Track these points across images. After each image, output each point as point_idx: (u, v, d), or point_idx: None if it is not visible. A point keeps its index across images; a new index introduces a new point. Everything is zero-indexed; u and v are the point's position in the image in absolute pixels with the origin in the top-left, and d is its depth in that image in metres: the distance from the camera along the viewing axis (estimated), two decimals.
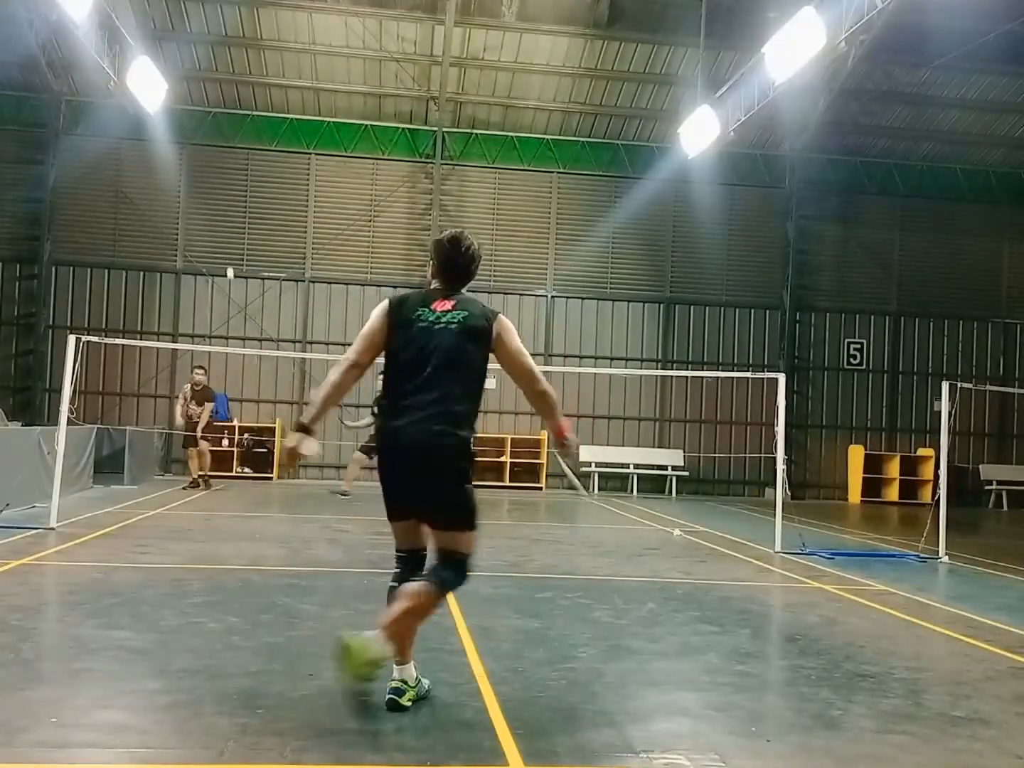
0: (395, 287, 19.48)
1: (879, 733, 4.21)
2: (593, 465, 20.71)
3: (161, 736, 3.83)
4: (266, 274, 20.49)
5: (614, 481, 21.00)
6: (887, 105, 21.09)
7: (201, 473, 16.20)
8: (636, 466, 20.97)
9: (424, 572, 4.26)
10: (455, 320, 4.27)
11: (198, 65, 19.91)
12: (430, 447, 4.14)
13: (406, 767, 3.58)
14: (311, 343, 20.40)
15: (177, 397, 17.03)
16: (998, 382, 21.38)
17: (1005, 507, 21.38)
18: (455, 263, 4.45)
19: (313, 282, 20.65)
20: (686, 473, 20.98)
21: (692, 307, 21.71)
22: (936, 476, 14.31)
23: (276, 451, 19.90)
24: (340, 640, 3.96)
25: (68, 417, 10.49)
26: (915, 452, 21.74)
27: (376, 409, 14.54)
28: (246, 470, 19.78)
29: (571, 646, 5.64)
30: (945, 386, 10.81)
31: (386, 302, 4.40)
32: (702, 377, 20.62)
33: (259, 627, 5.79)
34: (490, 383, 4.50)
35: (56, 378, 17.07)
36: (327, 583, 7.47)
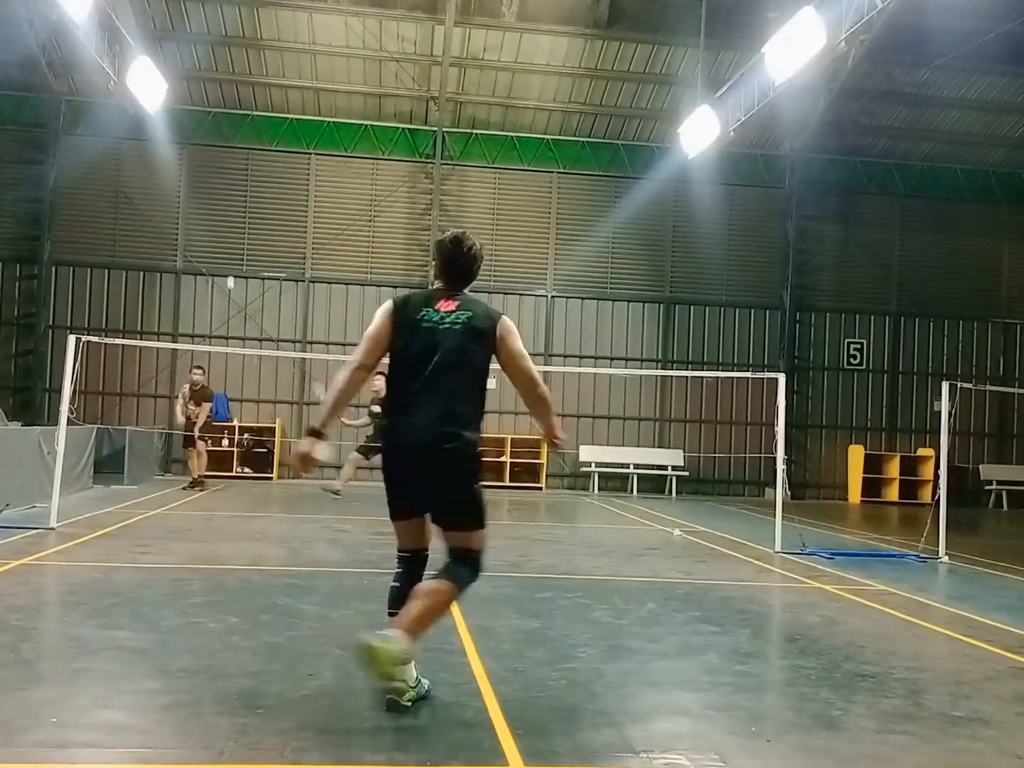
0: (395, 287, 19.51)
1: (879, 733, 4.20)
2: (593, 465, 20.72)
3: (161, 736, 3.83)
4: (266, 274, 20.50)
5: (614, 481, 21.01)
6: (887, 105, 21.10)
7: (199, 473, 16.17)
8: (636, 466, 20.98)
9: (438, 570, 4.27)
10: (459, 320, 4.28)
11: (198, 65, 19.91)
12: (438, 448, 4.15)
13: (406, 767, 3.58)
14: (311, 343, 20.40)
15: (177, 397, 17.03)
16: (998, 382, 21.39)
17: (1005, 507, 21.38)
18: (457, 263, 4.46)
19: (313, 282, 20.65)
20: (686, 473, 20.98)
21: (692, 307, 21.72)
22: (936, 476, 14.31)
23: (276, 451, 19.93)
24: (361, 642, 3.96)
25: (68, 417, 10.49)
26: (915, 452, 21.75)
27: (371, 409, 14.55)
28: (246, 470, 19.79)
29: (571, 646, 5.64)
30: (945, 386, 10.81)
31: (390, 302, 4.41)
32: (702, 377, 20.63)
33: (259, 627, 5.78)
34: (490, 383, 4.50)
35: (56, 378, 17.07)
36: (327, 583, 7.46)
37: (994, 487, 21.73)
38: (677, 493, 20.75)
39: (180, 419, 15.96)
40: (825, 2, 14.09)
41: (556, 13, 19.26)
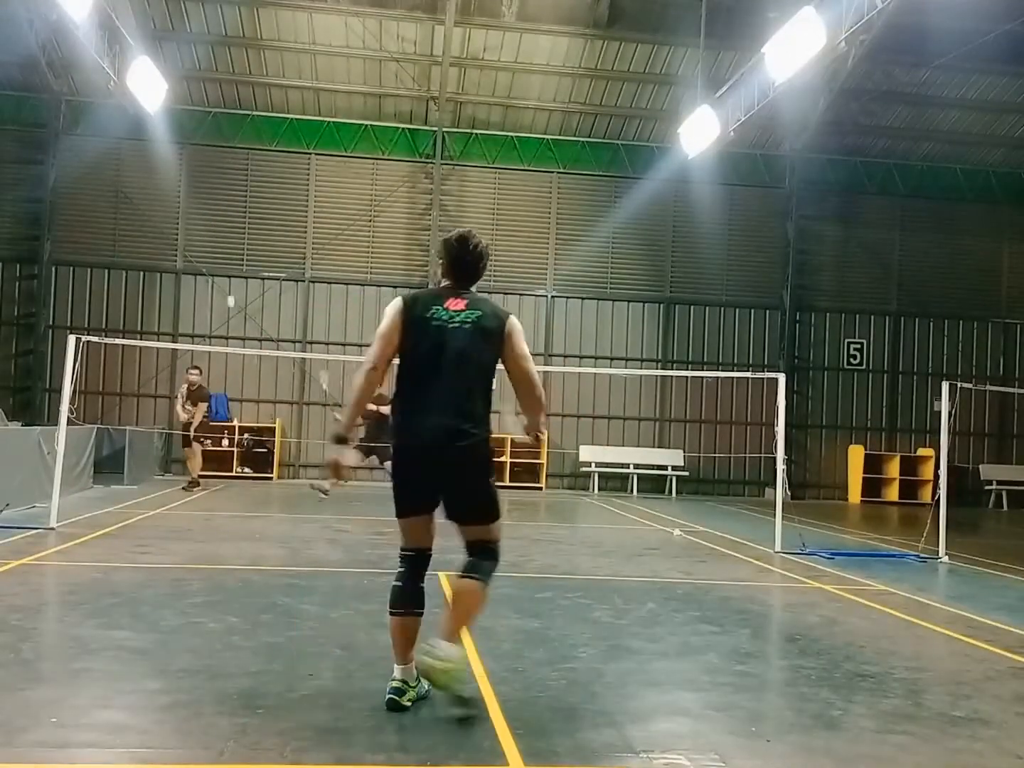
0: (395, 287, 19.51)
1: (879, 733, 4.21)
2: (593, 465, 20.72)
3: (161, 736, 3.83)
4: (266, 274, 20.50)
5: (614, 481, 21.00)
6: (887, 105, 21.10)
7: (197, 473, 16.13)
8: (636, 466, 20.97)
9: (462, 570, 4.34)
10: (469, 320, 4.31)
11: (198, 65, 19.91)
12: (451, 446, 4.19)
13: (406, 767, 3.58)
14: (311, 343, 20.39)
15: (176, 398, 17.01)
16: (998, 382, 21.38)
17: (1005, 507, 21.37)
18: (463, 261, 4.49)
19: (313, 282, 20.65)
20: (686, 473, 20.98)
21: (692, 307, 21.71)
22: (936, 476, 14.31)
23: (276, 451, 19.93)
24: (425, 667, 4.09)
25: (68, 417, 10.49)
26: (915, 452, 21.75)
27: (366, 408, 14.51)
28: (246, 470, 19.79)
29: (571, 646, 5.65)
30: (945, 386, 10.81)
31: (399, 300, 4.43)
32: (702, 377, 20.62)
33: (259, 627, 5.78)
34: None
35: (56, 378, 17.06)
36: (327, 583, 7.47)
37: (994, 487, 21.72)
38: (677, 493, 20.75)
39: (183, 417, 15.92)
40: (825, 2, 14.09)
41: (556, 13, 19.26)
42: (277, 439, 19.93)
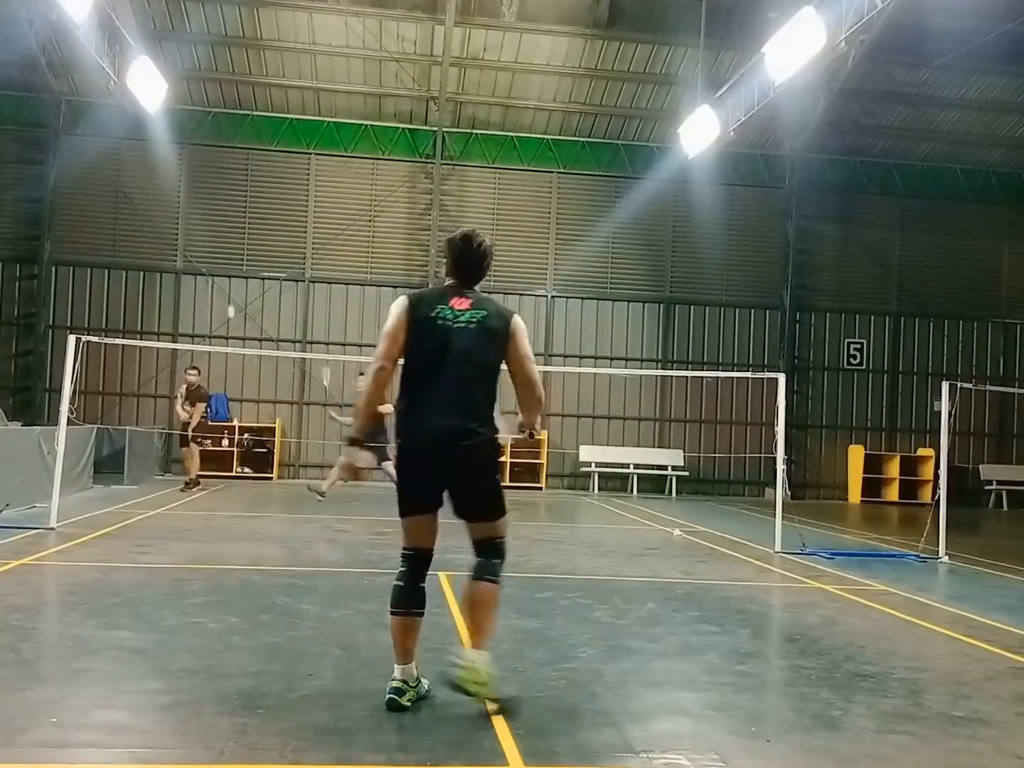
0: (395, 287, 19.52)
1: (879, 733, 4.21)
2: (593, 465, 20.72)
3: (161, 736, 3.83)
4: (266, 274, 20.50)
5: (614, 481, 21.00)
6: (887, 105, 21.10)
7: (196, 474, 16.10)
8: (636, 466, 20.97)
9: (474, 572, 4.37)
10: (475, 319, 4.33)
11: (198, 65, 19.91)
12: (459, 445, 4.22)
13: (406, 767, 3.58)
14: (311, 343, 20.39)
15: (176, 398, 17.01)
16: (998, 382, 21.38)
17: (1005, 507, 21.37)
18: (468, 260, 4.50)
19: (313, 282, 20.65)
20: (686, 473, 20.98)
21: (692, 307, 21.71)
22: (936, 476, 14.31)
23: (276, 451, 19.93)
24: (454, 677, 4.16)
25: (68, 417, 10.49)
26: (915, 452, 21.74)
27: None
28: (246, 470, 19.78)
29: (571, 646, 5.65)
30: (945, 386, 10.81)
31: (404, 299, 4.43)
32: (702, 377, 20.62)
33: (259, 627, 5.78)
34: None
35: (56, 378, 17.06)
36: (327, 583, 7.46)
37: (994, 487, 21.72)
38: (677, 493, 20.74)
39: (183, 417, 15.92)
40: (825, 2, 14.09)
41: (556, 13, 19.26)
42: (277, 439, 19.93)
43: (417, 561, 4.38)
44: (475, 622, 4.36)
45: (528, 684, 4.76)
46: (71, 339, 10.49)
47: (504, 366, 4.48)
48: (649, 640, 5.89)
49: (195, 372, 15.72)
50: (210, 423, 16.83)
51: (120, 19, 16.64)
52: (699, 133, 18.63)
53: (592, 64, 20.12)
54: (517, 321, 4.46)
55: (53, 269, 19.92)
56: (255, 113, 20.58)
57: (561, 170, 21.31)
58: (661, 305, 21.63)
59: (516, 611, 6.60)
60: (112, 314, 20.17)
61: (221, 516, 12.48)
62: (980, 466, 22.00)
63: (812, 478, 21.82)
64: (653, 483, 20.96)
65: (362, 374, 15.49)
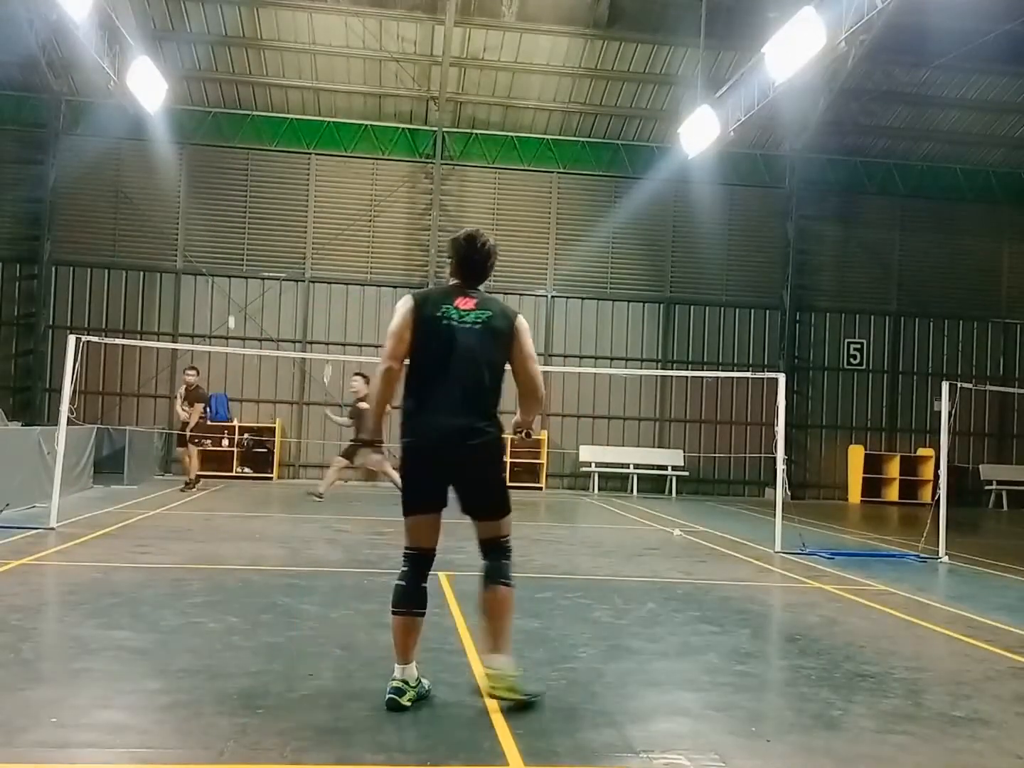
0: (395, 287, 19.52)
1: (879, 733, 4.21)
2: (593, 465, 20.71)
3: (161, 736, 3.83)
4: (266, 274, 20.49)
5: (614, 481, 21.00)
6: (887, 105, 21.10)
7: (195, 474, 16.10)
8: (636, 466, 20.97)
9: (485, 577, 4.44)
10: (480, 319, 4.35)
11: (198, 65, 19.91)
12: (465, 444, 4.24)
13: (406, 767, 3.58)
14: (311, 343, 20.38)
15: (175, 398, 17.02)
16: (998, 382, 21.38)
17: (1005, 507, 21.37)
18: (472, 260, 4.52)
19: (313, 282, 20.64)
20: (686, 473, 20.97)
21: (692, 307, 21.71)
22: (936, 476, 14.31)
23: (276, 451, 19.93)
24: (488, 690, 4.28)
25: (68, 417, 10.49)
26: (915, 452, 21.74)
27: (357, 407, 14.47)
28: (246, 470, 19.78)
29: (571, 646, 5.65)
30: (945, 386, 10.81)
31: (409, 298, 4.44)
32: (702, 377, 20.61)
33: (259, 627, 5.78)
34: None
35: (56, 378, 17.06)
36: (327, 583, 7.45)
37: (994, 487, 21.72)
38: (677, 493, 20.74)
39: (183, 416, 15.92)
40: (825, 2, 14.09)
41: (556, 13, 19.26)
42: (277, 439, 19.93)
43: (419, 561, 4.39)
44: (495, 627, 4.40)
45: (528, 684, 4.75)
46: (71, 339, 10.49)
47: (507, 366, 4.49)
48: (649, 640, 5.89)
49: (194, 372, 15.71)
50: (210, 423, 16.83)
51: (120, 19, 16.64)
52: (699, 133, 18.63)
53: (592, 64, 20.12)
54: (521, 321, 4.48)
55: (53, 269, 19.92)
56: (255, 113, 20.58)
57: (561, 170, 21.31)
58: (661, 305, 21.63)
59: (516, 611, 6.57)
60: (112, 314, 20.17)
61: (221, 516, 12.48)
62: (980, 466, 22.00)
63: (812, 478, 21.82)
64: (653, 483, 20.96)
65: (357, 375, 15.55)
